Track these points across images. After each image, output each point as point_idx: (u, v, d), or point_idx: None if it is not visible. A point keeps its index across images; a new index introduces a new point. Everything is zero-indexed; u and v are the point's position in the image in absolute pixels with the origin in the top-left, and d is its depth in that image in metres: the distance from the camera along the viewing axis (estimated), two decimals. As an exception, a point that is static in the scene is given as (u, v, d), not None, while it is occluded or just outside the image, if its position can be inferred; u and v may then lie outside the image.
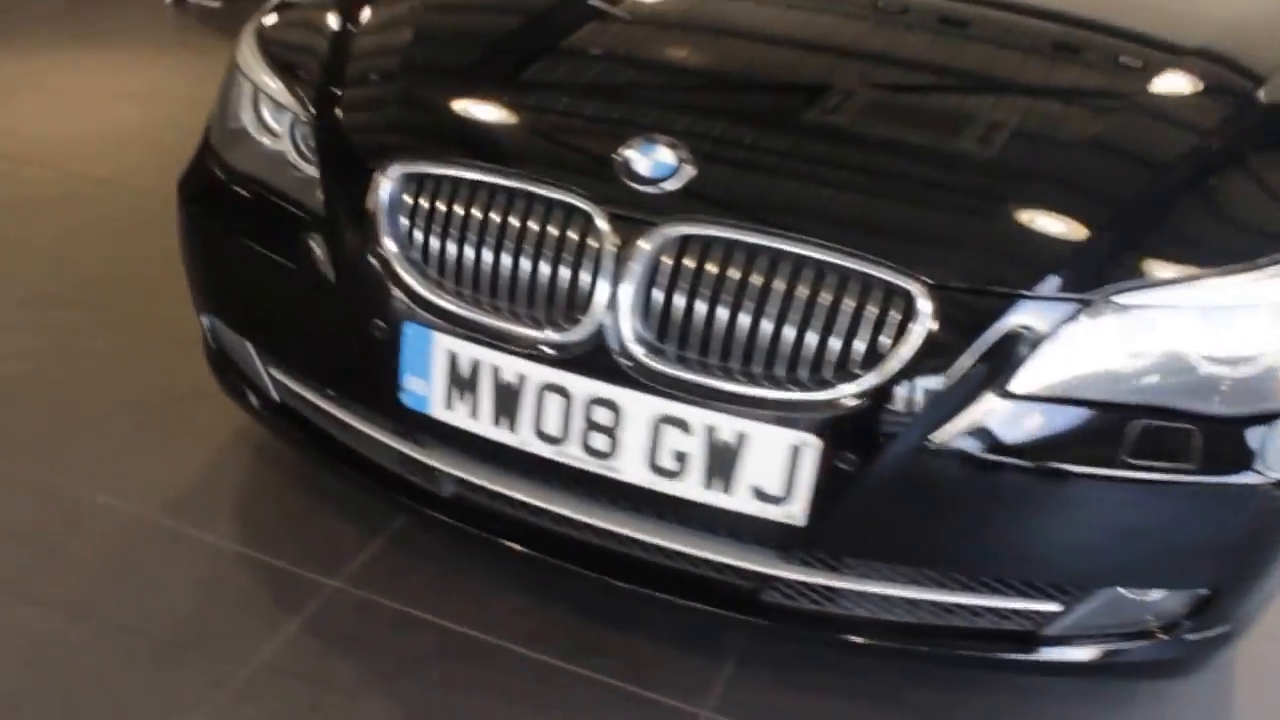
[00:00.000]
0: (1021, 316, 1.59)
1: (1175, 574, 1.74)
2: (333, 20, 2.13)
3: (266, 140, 1.98)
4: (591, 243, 1.66)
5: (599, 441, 1.68)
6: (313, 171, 1.89)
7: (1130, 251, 1.66)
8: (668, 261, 1.63)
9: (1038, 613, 1.76)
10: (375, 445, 1.93)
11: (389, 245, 1.76)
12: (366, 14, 2.14)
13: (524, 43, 2.08)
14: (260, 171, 1.97)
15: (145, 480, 2.29)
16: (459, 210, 1.73)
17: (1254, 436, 1.61)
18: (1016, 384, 1.60)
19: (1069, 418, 1.61)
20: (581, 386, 1.67)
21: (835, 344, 1.59)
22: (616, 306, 1.64)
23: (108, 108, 4.19)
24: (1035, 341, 1.59)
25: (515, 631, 2.03)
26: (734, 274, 1.61)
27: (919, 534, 1.68)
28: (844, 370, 1.60)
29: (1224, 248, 1.70)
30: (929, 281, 1.58)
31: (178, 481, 2.30)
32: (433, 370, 1.74)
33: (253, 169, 1.98)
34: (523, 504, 1.83)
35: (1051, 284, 1.60)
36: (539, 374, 1.68)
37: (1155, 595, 1.76)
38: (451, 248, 1.73)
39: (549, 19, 2.17)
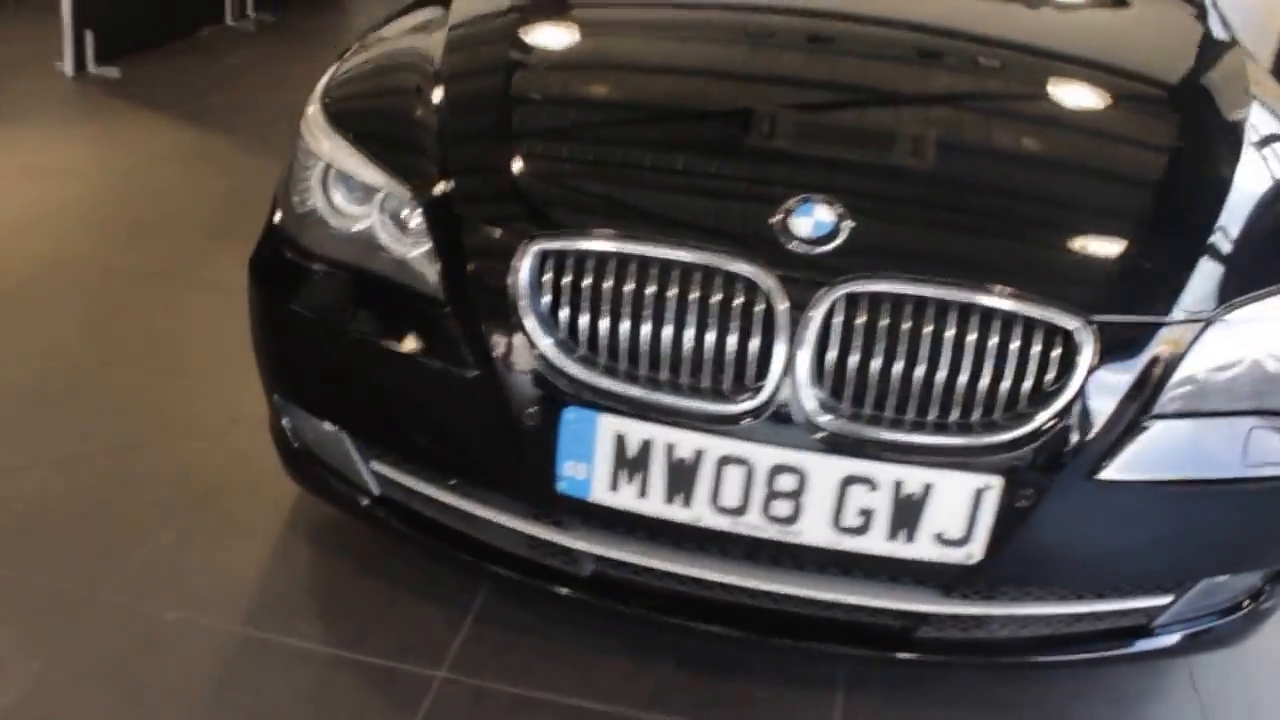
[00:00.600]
0: (1164, 340, 1.69)
1: (1269, 556, 1.90)
2: (415, 84, 1.99)
3: (345, 222, 1.84)
4: (761, 309, 1.63)
5: (781, 508, 1.67)
6: (409, 251, 1.78)
7: (1234, 271, 1.79)
8: (838, 320, 1.63)
9: (1153, 607, 1.88)
10: (499, 530, 1.84)
11: (534, 327, 1.67)
12: (452, 75, 1.99)
13: (644, 101, 2.01)
14: (349, 255, 1.83)
15: (211, 588, 2.10)
16: (607, 285, 1.66)
17: None
18: (1162, 405, 1.70)
19: (1206, 430, 1.73)
20: (763, 455, 1.64)
21: (1004, 386, 1.64)
22: (793, 371, 1.63)
23: (27, 186, 3.84)
24: (1175, 363, 1.70)
25: (630, 697, 1.98)
26: (905, 327, 1.63)
27: (1079, 557, 1.76)
28: (1013, 410, 1.65)
29: None
30: (1088, 317, 1.65)
31: (245, 585, 2.12)
32: (596, 454, 1.67)
33: (338, 253, 1.84)
34: (669, 574, 1.79)
35: (1184, 308, 1.71)
36: (717, 447, 1.65)
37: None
38: (604, 324, 1.66)
39: (666, 75, 2.10)
